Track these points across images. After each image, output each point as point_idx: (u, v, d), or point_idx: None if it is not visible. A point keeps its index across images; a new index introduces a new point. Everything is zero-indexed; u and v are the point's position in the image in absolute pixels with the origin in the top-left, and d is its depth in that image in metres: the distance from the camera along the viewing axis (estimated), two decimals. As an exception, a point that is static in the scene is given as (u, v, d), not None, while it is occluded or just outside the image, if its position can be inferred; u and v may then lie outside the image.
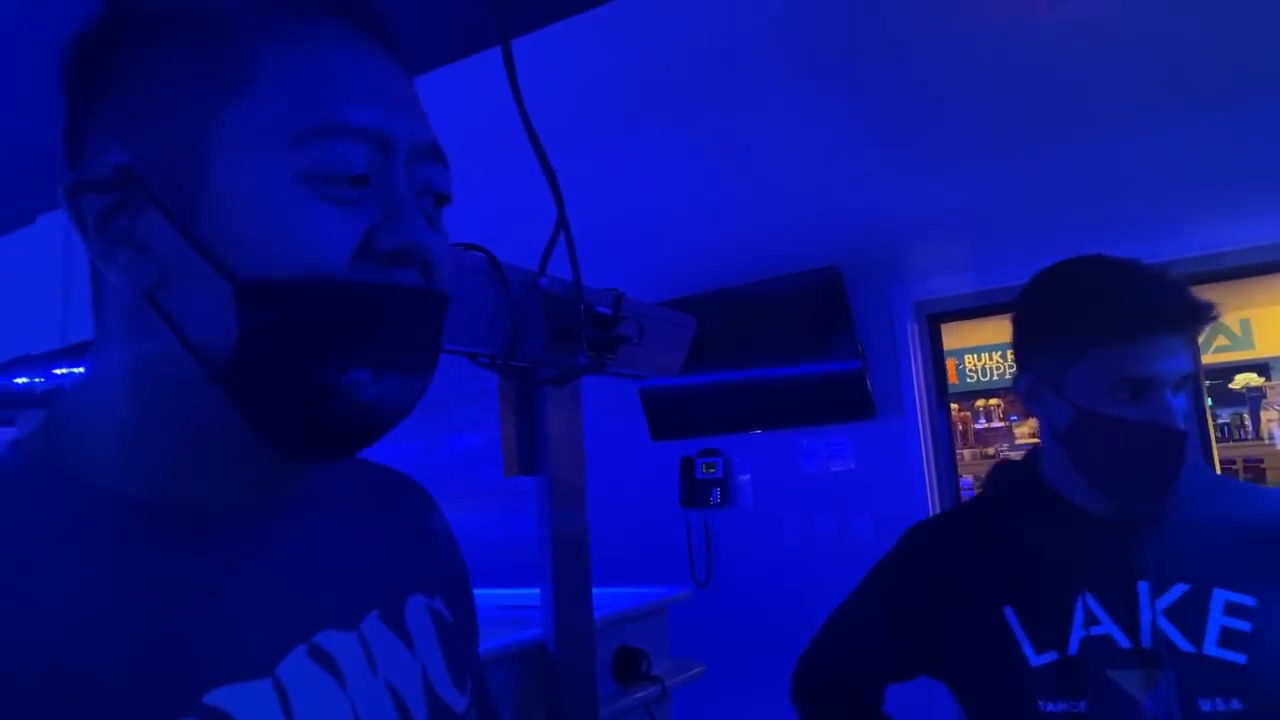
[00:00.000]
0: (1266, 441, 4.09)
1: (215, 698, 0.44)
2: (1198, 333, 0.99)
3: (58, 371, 2.50)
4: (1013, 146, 2.75)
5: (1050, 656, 0.98)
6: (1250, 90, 2.45)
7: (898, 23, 2.94)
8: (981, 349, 5.45)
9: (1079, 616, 0.99)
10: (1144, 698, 0.95)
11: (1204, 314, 0.97)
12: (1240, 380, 4.47)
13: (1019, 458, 1.19)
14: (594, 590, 1.41)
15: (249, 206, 0.45)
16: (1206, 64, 2.50)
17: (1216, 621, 0.97)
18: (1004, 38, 2.77)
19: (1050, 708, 0.96)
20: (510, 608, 1.86)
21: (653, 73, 3.35)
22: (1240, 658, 0.95)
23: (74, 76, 0.49)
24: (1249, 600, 0.98)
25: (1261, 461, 3.84)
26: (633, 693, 1.59)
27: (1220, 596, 0.98)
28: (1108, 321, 0.97)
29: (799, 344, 3.00)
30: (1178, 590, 0.99)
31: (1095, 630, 0.98)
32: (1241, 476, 3.82)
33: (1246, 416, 4.37)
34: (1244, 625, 0.97)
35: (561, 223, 1.30)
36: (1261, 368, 4.54)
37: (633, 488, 3.31)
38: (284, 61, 0.47)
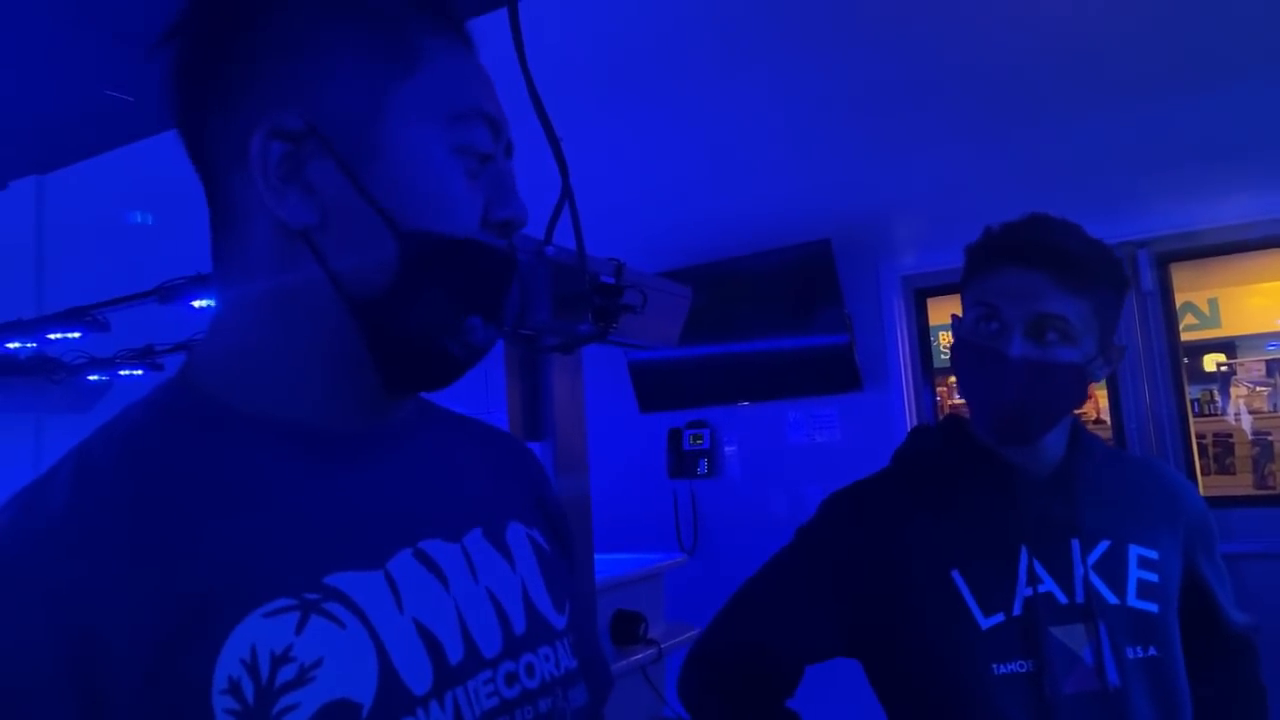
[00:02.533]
0: (1235, 419, 4.19)
1: (334, 580, 0.50)
2: (1081, 283, 0.98)
3: (51, 336, 2.48)
4: (997, 124, 2.78)
5: (998, 618, 0.98)
6: (1220, 73, 2.49)
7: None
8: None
9: (1022, 576, 0.99)
10: (1083, 651, 0.97)
11: (1074, 261, 0.97)
12: (1210, 359, 4.57)
13: (939, 421, 1.18)
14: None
15: (414, 169, 0.54)
16: (1182, 47, 2.54)
17: (1134, 574, 1.02)
18: (993, 16, 2.79)
19: (1001, 670, 0.96)
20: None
21: (643, 47, 3.34)
22: (1154, 607, 1.01)
23: (237, 34, 0.55)
24: (1154, 554, 1.04)
25: (1230, 437, 3.93)
26: (630, 655, 1.63)
27: (1134, 551, 1.03)
28: (979, 250, 1.03)
29: (787, 317, 3.03)
30: (1102, 546, 1.02)
31: (1038, 589, 0.99)
32: (1212, 452, 3.91)
33: (1216, 393, 4.47)
34: (1153, 577, 1.02)
35: (566, 191, 1.31)
36: (1228, 346, 4.64)
37: (621, 459, 3.34)
38: (441, 54, 0.57)
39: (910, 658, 1.02)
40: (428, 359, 0.57)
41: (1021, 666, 0.96)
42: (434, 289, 0.55)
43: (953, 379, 5.19)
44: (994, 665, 0.97)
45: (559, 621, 0.64)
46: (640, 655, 1.63)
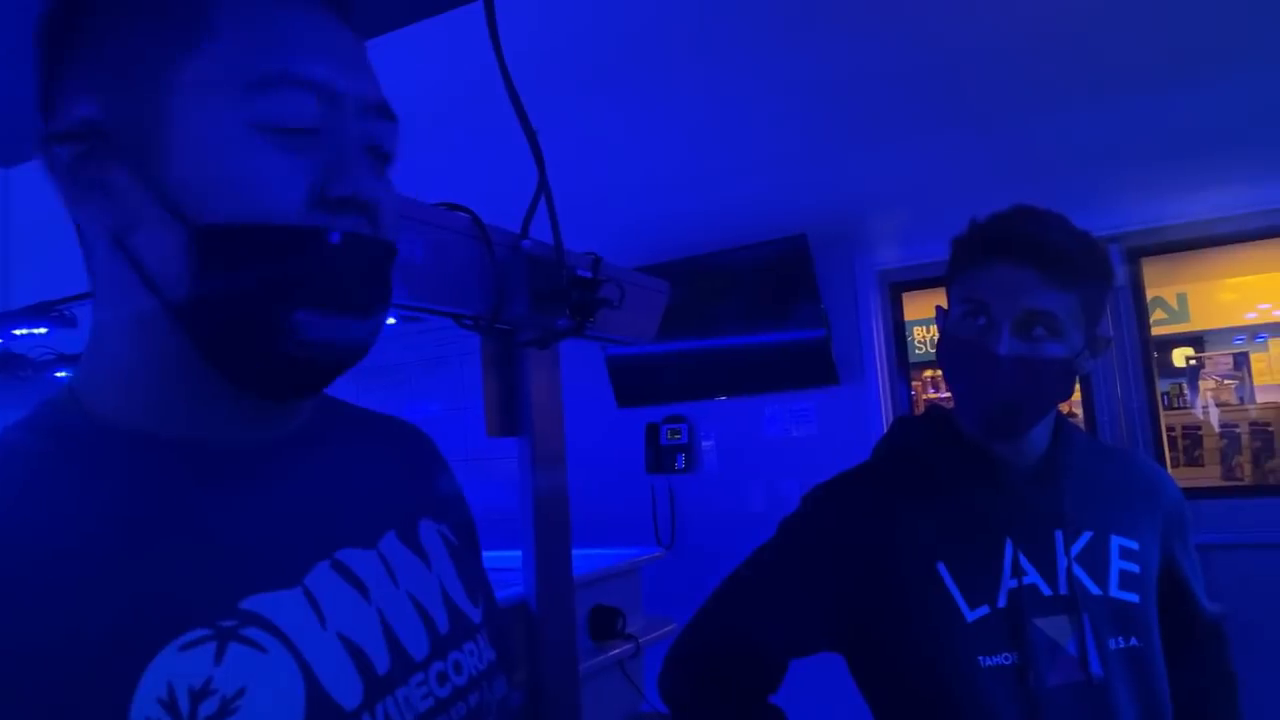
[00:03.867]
0: (1203, 412, 4.26)
1: (251, 603, 0.48)
2: (1068, 278, 0.98)
3: (17, 333, 2.44)
4: (971, 120, 2.81)
5: (983, 610, 0.99)
6: (1190, 71, 2.53)
7: (864, -7, 2.96)
8: (929, 321, 5.57)
9: (1006, 568, 1.00)
10: (1066, 642, 0.98)
11: (1061, 256, 0.97)
12: (1180, 353, 4.64)
13: (922, 413, 1.17)
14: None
15: (205, 153, 0.48)
16: (1153, 44, 2.57)
17: (1116, 565, 1.03)
18: (966, 12, 2.81)
19: (988, 662, 0.97)
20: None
21: (621, 41, 3.33)
22: (1135, 597, 1.02)
23: (46, 33, 0.51)
24: (1134, 545, 1.05)
25: (1199, 429, 4.00)
26: (608, 650, 1.63)
27: (1116, 542, 1.04)
28: (966, 244, 1.02)
29: (764, 311, 3.04)
30: (1085, 537, 1.03)
31: (1022, 580, 0.99)
32: (1181, 445, 3.97)
33: (1185, 387, 4.54)
34: (1134, 567, 1.03)
35: (543, 184, 1.30)
36: (1197, 340, 4.71)
37: (599, 454, 3.33)
38: (238, 14, 0.49)
39: (896, 650, 1.02)
40: (262, 363, 0.51)
41: (1007, 658, 0.97)
42: (242, 285, 0.48)
43: (929, 373, 5.24)
44: (980, 657, 0.97)
45: (476, 615, 0.63)
46: (618, 650, 1.63)
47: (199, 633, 0.45)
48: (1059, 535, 1.02)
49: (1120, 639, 1.00)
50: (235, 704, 0.44)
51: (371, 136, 0.54)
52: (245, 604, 0.47)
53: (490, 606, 0.67)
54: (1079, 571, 1.01)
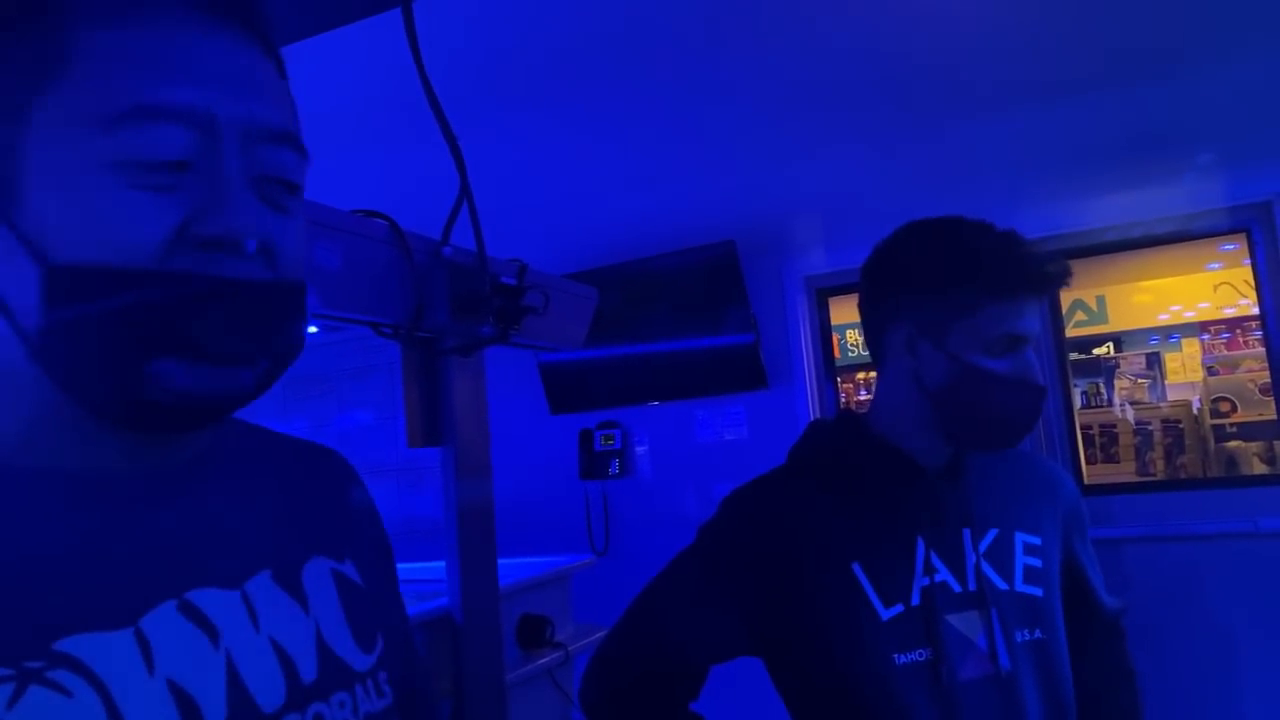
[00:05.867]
0: (1120, 410, 4.42)
1: (67, 645, 0.45)
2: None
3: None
4: (894, 127, 2.87)
5: (897, 609, 1.01)
6: (1103, 78, 2.62)
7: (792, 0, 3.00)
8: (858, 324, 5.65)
9: (919, 566, 1.02)
10: (976, 637, 1.01)
11: (1067, 278, 1.05)
12: (1098, 352, 4.81)
13: (834, 416, 1.20)
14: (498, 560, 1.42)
15: (60, 193, 0.46)
16: (1069, 52, 2.66)
17: (1020, 560, 1.06)
18: (890, 21, 2.87)
19: (902, 659, 0.99)
20: (407, 581, 1.85)
21: (546, 48, 3.32)
22: (1039, 591, 1.06)
23: None
24: (1037, 540, 1.09)
25: (1114, 426, 4.15)
26: (537, 659, 1.62)
27: (1020, 538, 1.08)
28: (1004, 279, 1.01)
29: (694, 317, 3.06)
30: (991, 534, 1.07)
31: (934, 578, 1.02)
32: (1098, 441, 4.12)
33: (1102, 386, 4.70)
34: (1037, 562, 1.07)
35: (464, 190, 1.29)
36: (1116, 340, 4.89)
37: (532, 460, 3.32)
38: (100, 44, 0.46)
39: (814, 652, 1.03)
40: (121, 407, 0.49)
41: (921, 655, 0.99)
42: (91, 329, 0.46)
43: (861, 375, 5.34)
44: (895, 655, 0.99)
45: (362, 662, 0.59)
46: (547, 659, 1.62)
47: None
48: (967, 533, 1.05)
49: (1026, 631, 1.04)
50: None
51: (264, 166, 0.50)
52: (61, 644, 0.45)
53: (396, 650, 0.65)
54: (986, 568, 1.04)
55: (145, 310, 0.46)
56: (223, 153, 0.48)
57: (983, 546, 1.05)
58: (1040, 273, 1.02)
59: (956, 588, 1.02)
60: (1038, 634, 1.04)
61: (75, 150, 0.46)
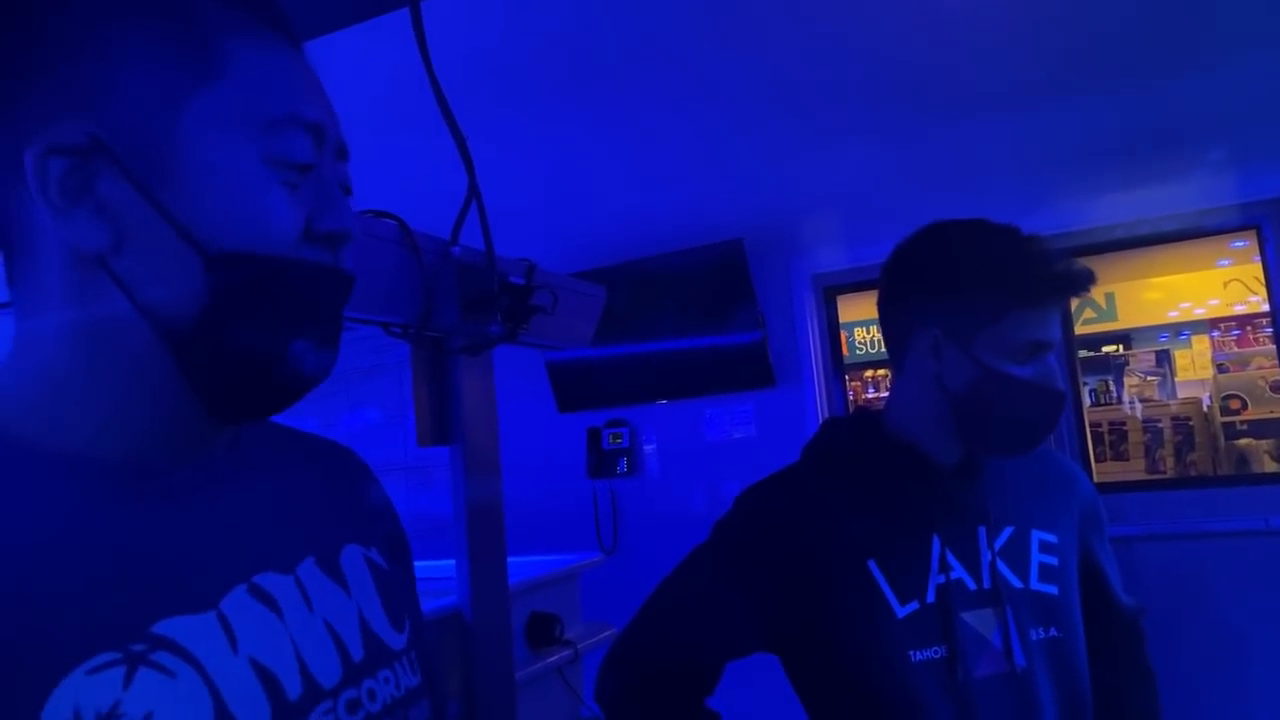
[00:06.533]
0: (1129, 408, 4.40)
1: (163, 627, 0.48)
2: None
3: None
4: (902, 126, 2.86)
5: (913, 606, 1.01)
6: (1112, 75, 2.62)
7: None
8: (870, 322, 5.65)
9: (934, 564, 1.02)
10: (991, 635, 1.01)
11: (1092, 284, 1.05)
12: (1107, 349, 4.79)
13: (850, 414, 1.20)
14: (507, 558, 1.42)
15: (219, 182, 0.50)
16: (1080, 50, 2.66)
17: (1036, 558, 1.06)
18: (900, 18, 2.86)
19: (918, 656, 0.99)
20: (420, 579, 1.86)
21: (555, 45, 3.32)
22: (1054, 589, 1.06)
23: (16, 35, 0.50)
24: (1053, 538, 1.09)
25: (1124, 424, 4.13)
26: (546, 657, 1.62)
27: (1036, 536, 1.08)
28: (1033, 287, 1.00)
29: (702, 316, 3.06)
30: (1007, 532, 1.07)
31: (950, 576, 1.02)
32: (1107, 439, 4.10)
33: (1111, 383, 4.68)
34: (1053, 560, 1.07)
35: (473, 190, 1.30)
36: (1124, 338, 4.87)
37: (540, 459, 3.32)
38: (248, 56, 0.52)
39: (830, 649, 1.03)
40: (254, 389, 0.53)
41: (936, 652, 0.99)
42: (251, 315, 0.51)
43: (869, 373, 5.33)
44: (911, 652, 0.99)
45: (397, 641, 0.63)
46: (556, 657, 1.63)
47: (107, 656, 0.45)
48: (982, 531, 1.05)
49: (1041, 630, 1.04)
50: None
51: (343, 175, 0.57)
52: (157, 628, 0.47)
53: (418, 633, 0.67)
54: (1002, 566, 1.04)
55: (294, 295, 0.52)
56: (327, 161, 0.55)
57: (998, 544, 1.05)
58: (1068, 280, 1.02)
59: (972, 585, 1.03)
60: (1053, 632, 1.04)
61: (235, 145, 0.50)
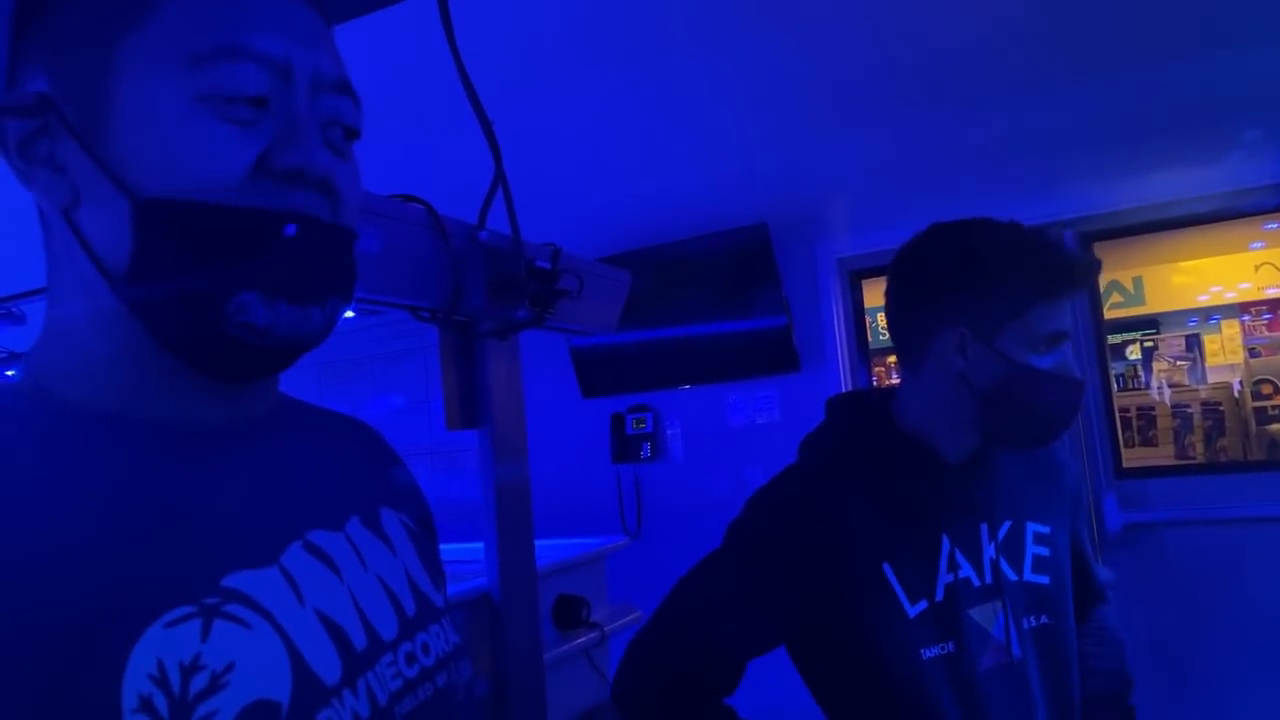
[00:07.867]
0: (1157, 393, 4.35)
1: (232, 580, 0.48)
2: None
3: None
4: (927, 108, 2.83)
5: (922, 605, 1.03)
6: (1139, 55, 2.57)
7: (821, -18, 2.97)
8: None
9: (944, 563, 1.04)
10: (993, 628, 1.05)
11: (1099, 270, 1.09)
12: (1135, 335, 4.73)
13: (854, 399, 1.20)
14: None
15: (147, 126, 0.48)
16: (1104, 30, 2.61)
17: (1030, 551, 1.09)
18: (927, 3, 2.83)
19: (928, 653, 1.02)
20: (446, 562, 1.87)
21: (578, 30, 3.31)
22: (1045, 579, 1.09)
23: (12, 8, 0.51)
24: (1046, 529, 1.11)
25: (1153, 410, 4.08)
26: (573, 639, 1.63)
27: (1031, 528, 1.10)
28: (1053, 279, 1.02)
29: (726, 300, 3.05)
30: (1005, 527, 1.09)
31: (957, 574, 1.05)
32: (1135, 425, 4.06)
33: (1140, 368, 4.63)
34: (1045, 551, 1.10)
35: (499, 175, 1.30)
36: (1152, 323, 4.80)
37: (564, 444, 3.33)
38: None
39: (844, 647, 1.05)
40: (205, 344, 0.50)
41: (944, 648, 1.02)
42: (180, 261, 0.48)
43: (892, 359, 5.29)
44: (921, 650, 1.02)
45: (440, 599, 0.64)
46: (583, 639, 1.64)
47: (184, 610, 0.45)
48: (984, 527, 1.07)
49: (1032, 618, 1.07)
50: (225, 678, 0.45)
51: (330, 111, 0.53)
52: (227, 581, 0.48)
53: (447, 598, 0.69)
54: (1000, 559, 1.07)
55: (231, 242, 0.48)
56: (295, 96, 0.51)
57: (999, 539, 1.08)
58: (1084, 269, 1.04)
59: (976, 582, 1.06)
60: (1044, 619, 1.08)
61: (162, 86, 0.48)
